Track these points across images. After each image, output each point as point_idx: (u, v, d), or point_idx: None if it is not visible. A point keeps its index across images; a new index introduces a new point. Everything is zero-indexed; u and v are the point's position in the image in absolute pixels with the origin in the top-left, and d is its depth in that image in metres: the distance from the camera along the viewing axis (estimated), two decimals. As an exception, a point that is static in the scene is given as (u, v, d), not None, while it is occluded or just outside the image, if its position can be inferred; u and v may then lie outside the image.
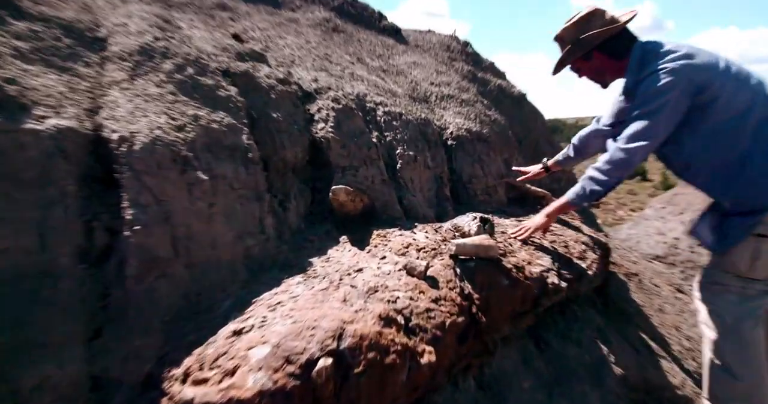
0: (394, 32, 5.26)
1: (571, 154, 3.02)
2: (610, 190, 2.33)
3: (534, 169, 3.24)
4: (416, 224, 2.86)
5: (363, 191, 2.85)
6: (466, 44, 5.67)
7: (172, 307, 1.98)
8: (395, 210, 2.95)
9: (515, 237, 2.75)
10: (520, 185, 3.67)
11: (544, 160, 3.18)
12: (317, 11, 4.87)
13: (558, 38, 2.50)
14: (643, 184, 34.69)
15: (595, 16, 2.36)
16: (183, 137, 2.26)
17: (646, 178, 37.05)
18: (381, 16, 5.47)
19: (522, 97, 5.20)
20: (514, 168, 3.46)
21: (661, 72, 2.10)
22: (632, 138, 2.18)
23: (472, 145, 3.66)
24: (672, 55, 2.13)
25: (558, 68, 2.51)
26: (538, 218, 2.73)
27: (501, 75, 5.61)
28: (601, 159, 2.35)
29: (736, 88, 2.09)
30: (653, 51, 2.21)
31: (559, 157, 3.13)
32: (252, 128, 2.68)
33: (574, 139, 3.01)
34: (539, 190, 3.73)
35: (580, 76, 2.51)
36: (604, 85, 2.50)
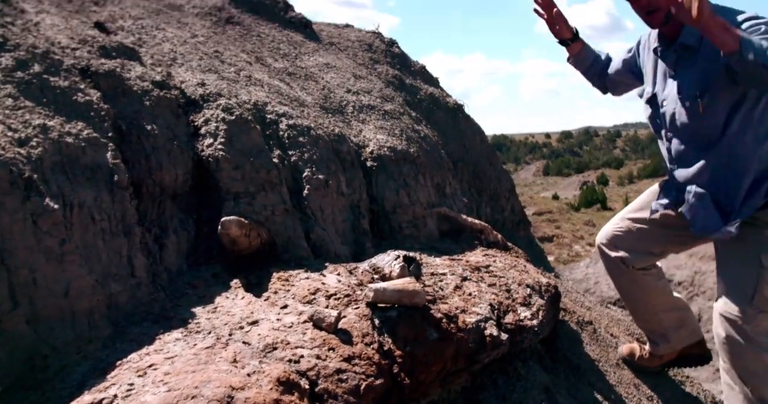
0: (304, 26, 5.37)
1: (600, 64, 3.28)
2: None
3: (561, 19, 3.28)
4: (326, 264, 2.91)
5: (261, 224, 2.88)
6: (392, 43, 5.86)
7: (8, 374, 1.92)
8: (300, 248, 2.99)
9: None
10: (454, 216, 3.80)
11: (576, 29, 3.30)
12: (206, -3, 4.90)
13: None
14: (603, 213, 36.27)
15: None
16: (26, 154, 2.22)
17: (606, 207, 38.88)
18: (287, 6, 5.57)
19: (458, 108, 5.41)
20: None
21: (764, 18, 2.39)
22: None
23: (397, 167, 3.77)
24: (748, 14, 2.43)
25: None
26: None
27: (434, 81, 5.82)
28: None
29: None
30: (722, 7, 2.49)
31: (589, 54, 3.30)
32: (120, 143, 2.67)
33: (606, 60, 3.27)
34: (477, 221, 3.88)
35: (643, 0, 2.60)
36: (668, 18, 2.60)
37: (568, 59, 3.32)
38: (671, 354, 3.56)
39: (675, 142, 2.75)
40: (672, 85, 2.70)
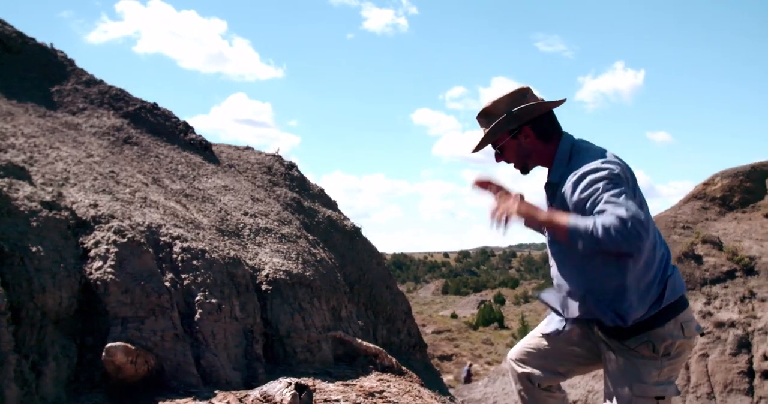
0: (203, 148, 5.45)
1: None
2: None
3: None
4: (216, 392, 2.84)
5: (149, 350, 2.80)
6: (292, 166, 6.01)
7: None
8: (190, 375, 2.91)
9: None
10: (349, 340, 3.81)
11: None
12: (105, 117, 4.94)
13: (486, 112, 2.84)
14: (500, 332, 36.84)
15: (528, 93, 2.79)
16: None
17: (503, 325, 39.54)
18: (188, 128, 5.67)
19: (356, 231, 5.53)
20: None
21: (606, 169, 2.50)
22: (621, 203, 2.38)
23: (293, 291, 3.79)
24: (609, 157, 2.55)
25: (482, 145, 2.79)
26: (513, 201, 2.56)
27: (332, 204, 5.97)
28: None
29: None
30: (585, 149, 2.63)
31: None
32: (0, 266, 2.58)
33: None
34: (372, 345, 3.90)
35: (500, 159, 2.81)
36: (525, 170, 2.85)
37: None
38: None
39: (560, 263, 2.92)
40: None
